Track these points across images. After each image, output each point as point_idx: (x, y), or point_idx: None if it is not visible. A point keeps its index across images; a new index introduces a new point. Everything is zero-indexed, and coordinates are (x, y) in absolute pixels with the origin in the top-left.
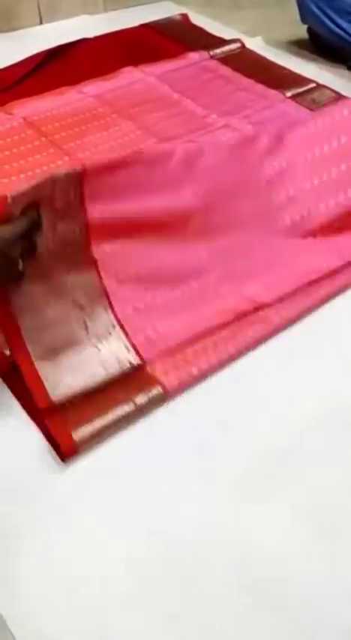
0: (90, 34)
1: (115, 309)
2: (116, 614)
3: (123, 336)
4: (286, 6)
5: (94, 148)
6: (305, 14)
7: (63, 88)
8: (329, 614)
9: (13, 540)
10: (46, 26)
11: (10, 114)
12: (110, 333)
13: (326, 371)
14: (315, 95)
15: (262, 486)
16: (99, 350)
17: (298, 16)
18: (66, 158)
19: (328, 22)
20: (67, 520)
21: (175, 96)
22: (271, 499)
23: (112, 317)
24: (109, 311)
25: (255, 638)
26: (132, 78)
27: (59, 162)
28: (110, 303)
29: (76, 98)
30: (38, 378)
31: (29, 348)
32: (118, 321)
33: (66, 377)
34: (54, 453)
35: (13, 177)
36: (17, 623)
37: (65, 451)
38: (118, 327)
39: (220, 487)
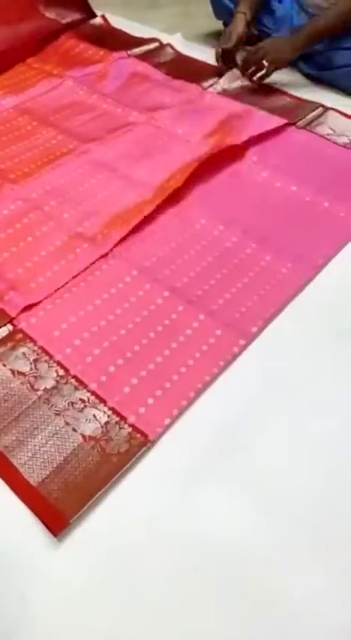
0: None
1: None
2: (68, 615)
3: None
4: (203, 0)
5: (17, 158)
6: (219, 10)
7: None
8: (274, 591)
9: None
10: None
11: None
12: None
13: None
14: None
15: (207, 473)
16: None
17: None
18: None
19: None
20: (11, 528)
21: (95, 97)
22: (216, 484)
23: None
24: None
25: (206, 618)
26: (50, 84)
27: None
28: None
29: None
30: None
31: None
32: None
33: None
34: None
35: None
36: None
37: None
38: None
39: (167, 478)
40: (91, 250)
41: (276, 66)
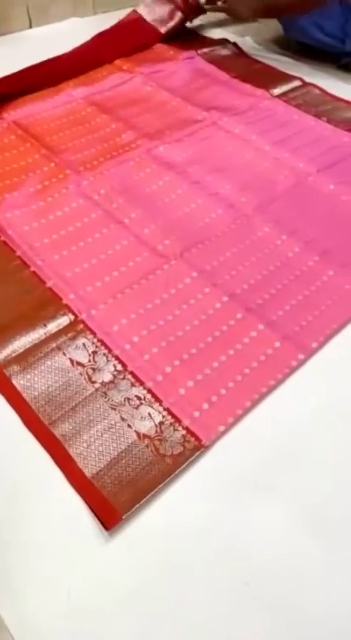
0: (80, 37)
1: None
2: (112, 614)
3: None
4: None
5: (87, 150)
6: (288, 27)
7: (51, 91)
8: (324, 612)
9: (11, 544)
10: (36, 30)
11: (0, 118)
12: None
13: (321, 371)
14: (301, 93)
15: (259, 485)
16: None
17: None
18: (58, 160)
19: (314, 31)
20: (62, 518)
21: (163, 94)
22: (268, 498)
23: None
24: None
25: (251, 636)
26: (120, 79)
27: (46, 168)
28: None
29: (65, 101)
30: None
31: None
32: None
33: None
34: None
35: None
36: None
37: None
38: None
39: (219, 485)
40: (152, 260)
41: (228, 12)
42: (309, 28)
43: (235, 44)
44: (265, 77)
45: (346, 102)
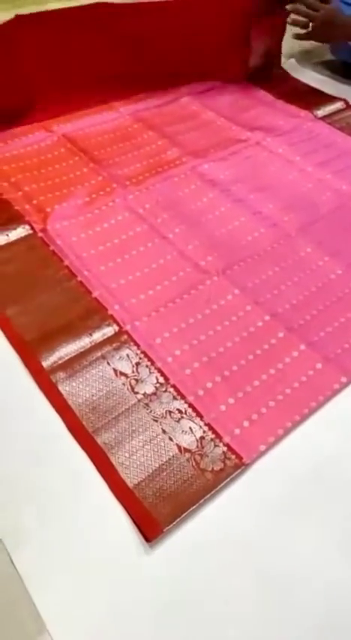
0: None
1: None
2: (150, 625)
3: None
4: None
5: (133, 165)
6: (334, 48)
7: (100, 107)
8: None
9: (53, 550)
10: None
11: (51, 131)
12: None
13: None
14: (345, 115)
15: (299, 507)
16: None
17: None
18: (105, 174)
19: None
20: (103, 526)
21: (209, 114)
22: (308, 519)
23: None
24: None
25: None
26: (166, 98)
27: (94, 181)
28: None
29: (113, 117)
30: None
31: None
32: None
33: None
34: None
35: (49, 195)
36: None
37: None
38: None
39: (259, 504)
40: (195, 275)
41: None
42: None
43: (282, 68)
44: (309, 98)
45: None
